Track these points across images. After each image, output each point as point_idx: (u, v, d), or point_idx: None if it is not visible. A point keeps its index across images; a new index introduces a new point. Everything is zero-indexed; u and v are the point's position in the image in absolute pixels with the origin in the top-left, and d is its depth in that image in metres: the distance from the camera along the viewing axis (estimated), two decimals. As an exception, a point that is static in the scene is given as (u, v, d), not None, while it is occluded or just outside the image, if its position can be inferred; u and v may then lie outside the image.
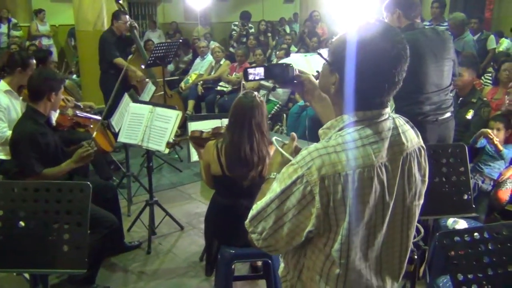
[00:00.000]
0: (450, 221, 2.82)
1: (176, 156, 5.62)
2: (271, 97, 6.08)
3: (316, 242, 1.28)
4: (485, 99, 3.77)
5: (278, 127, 5.99)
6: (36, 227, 1.98)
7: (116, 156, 5.23)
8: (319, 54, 1.38)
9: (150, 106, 3.55)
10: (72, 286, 3.01)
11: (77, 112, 3.72)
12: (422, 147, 1.39)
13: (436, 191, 2.38)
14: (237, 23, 8.40)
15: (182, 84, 7.18)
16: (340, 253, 1.25)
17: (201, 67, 7.17)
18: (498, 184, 3.45)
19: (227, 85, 6.65)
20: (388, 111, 1.32)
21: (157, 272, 3.33)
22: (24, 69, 3.52)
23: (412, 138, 1.35)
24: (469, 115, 3.74)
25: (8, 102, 3.53)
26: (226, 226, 2.65)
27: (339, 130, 1.27)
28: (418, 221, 1.69)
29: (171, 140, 3.24)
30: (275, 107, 6.06)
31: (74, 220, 2.01)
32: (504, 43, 8.83)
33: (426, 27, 3.80)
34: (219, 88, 6.69)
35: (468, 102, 3.80)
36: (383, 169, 1.25)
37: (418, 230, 1.84)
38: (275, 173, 1.44)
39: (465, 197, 2.39)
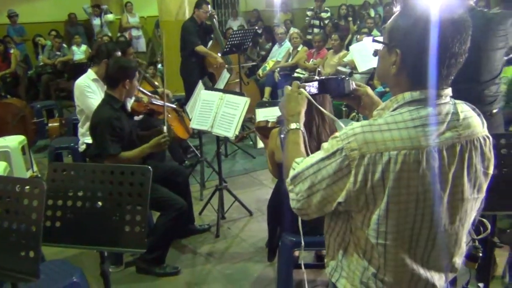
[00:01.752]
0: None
1: (251, 142, 5.69)
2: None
3: (355, 219, 1.25)
4: None
5: (354, 114, 5.81)
6: (101, 208, 2.10)
7: (193, 142, 5.42)
8: (375, 40, 1.31)
9: (220, 93, 3.62)
10: (144, 264, 3.18)
11: (153, 99, 3.88)
12: (488, 136, 1.28)
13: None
14: (312, 7, 8.23)
15: (260, 71, 7.23)
16: (376, 233, 1.21)
17: (278, 54, 7.16)
18: None
19: (304, 72, 6.57)
20: (449, 93, 1.23)
21: (224, 255, 3.41)
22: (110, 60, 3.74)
23: (475, 126, 1.25)
24: None
25: (96, 88, 3.78)
26: (288, 213, 2.63)
27: (393, 110, 1.22)
28: (483, 216, 1.55)
29: (238, 129, 3.28)
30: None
31: (135, 202, 2.09)
32: None
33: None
34: (295, 75, 6.63)
35: None
36: (436, 154, 1.16)
37: (484, 226, 1.68)
38: (297, 123, 1.47)
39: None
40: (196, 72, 5.56)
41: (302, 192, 1.26)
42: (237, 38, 5.50)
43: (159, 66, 8.27)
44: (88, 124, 3.43)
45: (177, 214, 3.09)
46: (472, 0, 2.65)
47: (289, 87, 1.56)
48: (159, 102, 3.87)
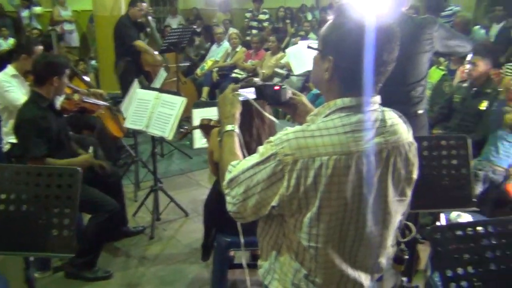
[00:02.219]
0: (454, 214, 2.74)
1: (187, 142, 5.63)
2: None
3: (288, 222, 1.27)
4: (500, 89, 3.62)
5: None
6: (27, 211, 2.00)
7: (128, 141, 5.28)
8: (309, 46, 1.35)
9: (156, 93, 3.56)
10: (74, 269, 3.06)
11: (84, 97, 3.74)
12: (412, 142, 1.34)
13: (436, 184, 2.30)
14: (251, 9, 8.30)
15: (198, 71, 7.18)
16: (309, 236, 1.24)
17: (217, 54, 7.16)
18: (508, 177, 3.34)
19: (242, 72, 6.61)
20: (378, 101, 1.29)
21: (159, 257, 3.36)
22: (29, 55, 3.55)
23: (401, 132, 1.31)
24: (483, 106, 3.61)
25: (17, 84, 3.58)
26: (224, 213, 2.64)
27: (325, 116, 1.25)
28: (410, 220, 1.64)
29: (174, 129, 3.24)
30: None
31: (63, 205, 2.01)
32: (532, 32, 8.50)
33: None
34: (234, 75, 6.66)
35: (482, 93, 3.67)
36: (364, 159, 1.21)
37: (410, 229, 1.79)
38: (232, 125, 1.51)
39: (465, 191, 2.30)
40: (131, 70, 5.42)
41: (238, 196, 1.27)
42: (175, 37, 5.43)
43: (93, 62, 8.00)
44: (12, 121, 3.25)
45: (109, 216, 3.00)
46: (404, 7, 2.77)
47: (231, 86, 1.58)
48: (91, 100, 3.74)
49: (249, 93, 1.57)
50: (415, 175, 1.36)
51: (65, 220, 1.99)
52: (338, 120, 1.22)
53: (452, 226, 1.85)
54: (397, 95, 2.67)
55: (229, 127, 1.51)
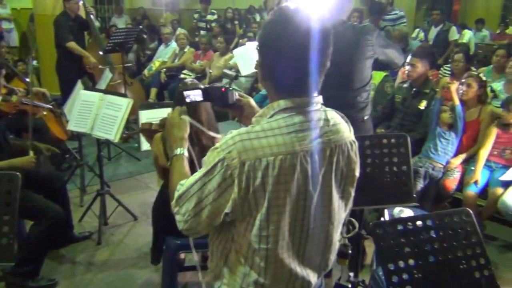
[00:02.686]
0: (396, 210, 2.85)
1: (136, 145, 5.52)
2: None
3: (239, 226, 1.27)
4: (437, 89, 3.81)
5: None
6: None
7: (73, 144, 5.11)
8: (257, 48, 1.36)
9: (101, 94, 3.47)
10: (15, 279, 2.92)
11: (23, 99, 3.58)
12: (354, 141, 1.38)
13: (378, 181, 2.39)
14: (199, 9, 8.26)
15: (145, 72, 7.06)
16: (259, 238, 1.25)
17: (164, 54, 7.06)
18: (445, 172, 3.52)
19: (190, 73, 6.57)
20: (320, 101, 1.32)
21: (106, 263, 3.27)
22: None
23: (344, 131, 1.35)
24: (422, 106, 3.79)
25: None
26: (172, 215, 2.62)
27: (270, 117, 1.27)
28: (354, 216, 1.69)
29: (121, 131, 3.17)
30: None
31: (1, 212, 1.93)
32: (467, 35, 8.98)
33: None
34: (182, 76, 6.60)
35: (421, 93, 3.85)
36: (308, 158, 1.24)
37: (353, 225, 1.85)
38: (181, 148, 1.50)
39: (406, 187, 2.40)
40: (74, 70, 5.23)
41: (189, 211, 1.26)
42: (120, 37, 5.31)
43: (34, 62, 7.66)
44: None
45: (52, 223, 2.89)
46: (345, 15, 2.84)
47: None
48: (31, 102, 3.58)
49: (196, 96, 1.56)
50: (357, 172, 1.40)
51: (4, 228, 1.91)
52: (282, 121, 1.24)
53: (393, 221, 1.93)
54: (345, 100, 2.76)
55: (177, 151, 1.50)
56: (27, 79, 4.93)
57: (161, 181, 2.87)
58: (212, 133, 1.75)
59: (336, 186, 1.34)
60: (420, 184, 3.53)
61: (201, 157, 1.57)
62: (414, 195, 2.43)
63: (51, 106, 4.06)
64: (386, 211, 2.88)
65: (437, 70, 5.25)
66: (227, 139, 1.23)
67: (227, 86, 1.61)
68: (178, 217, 1.29)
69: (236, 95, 1.57)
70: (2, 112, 3.26)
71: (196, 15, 8.26)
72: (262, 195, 1.21)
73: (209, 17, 8.18)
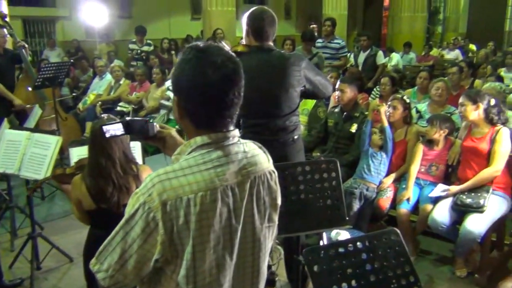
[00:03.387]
0: (333, 233, 2.91)
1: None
2: (171, 116, 6.00)
3: (165, 269, 1.24)
4: (366, 112, 3.98)
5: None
6: None
7: (1, 185, 4.84)
8: (168, 88, 1.37)
9: (28, 133, 3.33)
10: None
11: None
12: (273, 171, 1.41)
13: (313, 207, 2.44)
14: (134, 40, 8.21)
15: (80, 105, 6.87)
16: (186, 279, 1.22)
17: (99, 87, 6.92)
18: (379, 192, 3.65)
19: (127, 105, 6.47)
20: (236, 134, 1.33)
21: (39, 311, 3.09)
22: None
23: (262, 162, 1.37)
24: (353, 129, 3.94)
25: None
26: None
27: (188, 154, 1.27)
28: (291, 242, 1.71)
29: (50, 170, 3.03)
30: (176, 126, 5.97)
31: None
32: (394, 58, 9.54)
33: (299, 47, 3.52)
34: (119, 108, 6.50)
35: (351, 117, 4.00)
36: (229, 192, 1.25)
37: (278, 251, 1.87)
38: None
39: (339, 210, 2.47)
40: (1, 107, 5.00)
41: (113, 265, 1.20)
42: (50, 71, 5.13)
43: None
44: None
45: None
46: (271, 41, 2.88)
47: None
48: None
49: (117, 130, 1.54)
50: (279, 201, 1.43)
51: None
52: (200, 157, 1.25)
53: (325, 246, 1.97)
54: (274, 126, 2.82)
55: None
56: None
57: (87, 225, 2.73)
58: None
59: (259, 217, 1.35)
60: (356, 205, 3.64)
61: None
62: (347, 218, 2.50)
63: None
64: (324, 234, 2.93)
65: (367, 93, 5.50)
66: (146, 182, 1.21)
67: (147, 118, 1.59)
68: (100, 275, 1.22)
69: (156, 127, 1.57)
70: None
71: (131, 46, 8.19)
72: (187, 234, 1.19)
73: (144, 48, 8.13)
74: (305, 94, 2.93)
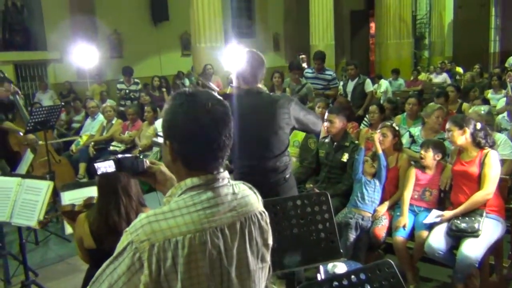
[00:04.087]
0: (330, 265, 2.88)
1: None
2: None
3: None
4: (356, 141, 4.00)
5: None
6: None
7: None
8: (158, 134, 1.39)
9: (18, 179, 3.32)
10: None
11: None
12: (263, 211, 1.42)
13: (305, 240, 2.44)
14: (122, 80, 8.33)
15: (73, 147, 6.88)
16: None
17: (91, 128, 6.94)
18: (374, 221, 3.63)
19: (120, 145, 6.48)
20: (226, 176, 1.35)
21: None
22: None
23: (252, 203, 1.38)
24: (345, 158, 3.95)
25: None
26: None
27: (178, 196, 1.28)
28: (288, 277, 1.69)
29: (41, 217, 3.04)
30: (169, 164, 5.98)
31: None
32: (383, 84, 9.67)
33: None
34: (111, 148, 6.50)
35: (342, 146, 4.02)
36: (219, 234, 1.26)
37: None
38: None
39: (333, 243, 2.46)
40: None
41: None
42: (41, 115, 5.17)
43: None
44: None
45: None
46: (259, 82, 2.93)
47: None
48: None
49: (108, 167, 1.58)
50: (270, 241, 1.43)
51: None
52: (189, 199, 1.26)
53: (318, 282, 1.94)
54: (265, 167, 2.83)
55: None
56: None
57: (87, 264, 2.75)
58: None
59: (253, 258, 1.35)
60: (352, 236, 3.61)
61: None
62: (342, 250, 2.48)
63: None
64: (321, 267, 2.90)
65: (358, 121, 5.55)
66: (136, 222, 1.23)
67: (137, 155, 1.63)
68: None
69: (146, 163, 1.60)
70: None
71: (119, 85, 8.31)
72: (175, 277, 1.19)
73: (132, 87, 8.24)
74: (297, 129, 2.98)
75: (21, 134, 5.27)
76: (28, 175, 3.59)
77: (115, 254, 1.23)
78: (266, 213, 1.43)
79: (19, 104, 5.60)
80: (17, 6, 10.98)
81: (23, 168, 4.43)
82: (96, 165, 1.57)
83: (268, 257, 1.43)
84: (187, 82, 10.99)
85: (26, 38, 11.12)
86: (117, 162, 1.58)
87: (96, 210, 2.50)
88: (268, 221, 1.43)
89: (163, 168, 1.64)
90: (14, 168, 4.94)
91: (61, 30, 10.81)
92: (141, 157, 1.62)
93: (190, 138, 1.26)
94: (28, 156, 4.53)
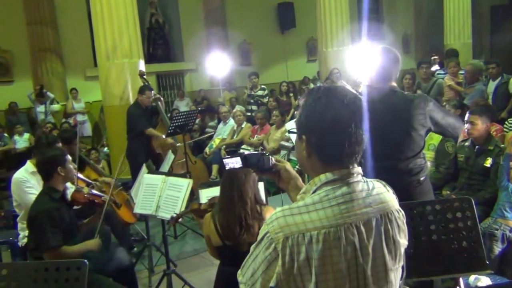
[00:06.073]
0: (472, 278, 2.67)
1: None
2: (291, 157, 6.11)
3: None
4: (502, 145, 3.64)
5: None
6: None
7: (140, 225, 5.29)
8: (290, 131, 1.43)
9: (163, 176, 3.63)
10: None
11: (92, 190, 3.74)
12: (400, 210, 1.37)
13: (446, 249, 2.27)
14: (250, 86, 8.66)
15: (207, 149, 7.34)
16: None
17: (223, 132, 7.34)
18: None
19: (249, 148, 6.74)
20: (359, 171, 1.33)
21: None
22: None
23: (388, 200, 1.34)
24: (488, 163, 3.62)
25: (36, 182, 3.69)
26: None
27: (313, 192, 1.30)
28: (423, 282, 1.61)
29: (174, 214, 3.28)
30: (296, 167, 6.05)
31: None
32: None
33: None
34: (241, 151, 6.78)
35: (485, 150, 3.68)
36: (354, 230, 1.24)
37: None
38: None
39: (477, 253, 2.26)
40: (142, 155, 5.56)
41: (248, 281, 1.29)
42: (181, 120, 5.61)
43: (105, 149, 8.23)
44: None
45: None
46: (393, 81, 2.80)
47: None
48: (99, 193, 3.76)
49: (235, 163, 1.64)
50: (406, 241, 1.37)
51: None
52: (324, 194, 1.26)
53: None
54: (396, 169, 2.68)
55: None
56: (99, 166, 5.29)
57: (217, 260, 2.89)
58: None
59: (389, 257, 1.30)
60: (497, 248, 3.29)
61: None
62: (487, 262, 2.27)
63: (113, 198, 4.18)
64: (461, 280, 2.69)
65: (498, 124, 5.03)
66: (272, 214, 1.27)
67: (263, 152, 1.67)
68: (242, 286, 1.32)
69: (272, 160, 1.63)
70: (75, 201, 3.47)
71: (246, 91, 8.66)
72: (308, 271, 1.20)
73: (259, 92, 8.52)
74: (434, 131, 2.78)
75: (164, 137, 5.79)
76: (171, 173, 3.90)
77: (256, 242, 1.29)
78: (403, 212, 1.37)
79: (161, 110, 6.16)
80: (160, 23, 12.12)
81: (165, 167, 4.84)
82: (225, 161, 1.64)
83: (402, 259, 1.37)
84: (311, 86, 11.05)
85: (167, 51, 12.25)
86: (244, 159, 1.62)
87: (219, 208, 2.62)
88: (404, 220, 1.37)
89: (288, 166, 1.67)
90: (157, 169, 5.44)
91: (197, 42, 11.69)
92: (266, 154, 1.65)
93: (328, 130, 1.27)
94: (170, 157, 4.94)
